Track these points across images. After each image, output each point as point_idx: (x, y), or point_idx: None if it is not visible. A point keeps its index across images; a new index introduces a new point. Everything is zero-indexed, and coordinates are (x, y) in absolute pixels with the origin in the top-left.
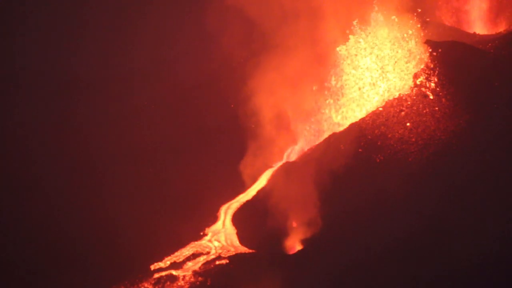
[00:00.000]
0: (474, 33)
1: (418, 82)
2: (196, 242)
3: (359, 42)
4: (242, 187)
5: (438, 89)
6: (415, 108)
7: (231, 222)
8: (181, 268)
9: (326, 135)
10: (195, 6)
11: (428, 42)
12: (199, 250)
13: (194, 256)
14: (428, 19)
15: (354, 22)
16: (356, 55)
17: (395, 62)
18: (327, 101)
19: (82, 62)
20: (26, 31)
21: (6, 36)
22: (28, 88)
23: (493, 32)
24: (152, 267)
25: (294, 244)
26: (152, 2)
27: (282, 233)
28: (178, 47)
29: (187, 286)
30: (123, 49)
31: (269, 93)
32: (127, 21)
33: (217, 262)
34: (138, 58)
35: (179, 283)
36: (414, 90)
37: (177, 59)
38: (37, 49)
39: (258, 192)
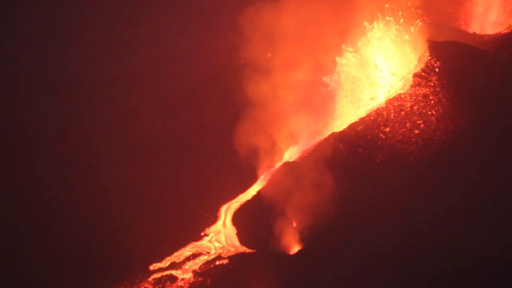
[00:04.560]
0: (474, 33)
1: (418, 82)
2: (196, 242)
3: (360, 43)
4: (242, 187)
5: (438, 89)
6: (415, 108)
7: (231, 222)
8: (181, 268)
9: (326, 135)
10: (196, 5)
11: (428, 42)
12: (199, 250)
13: (194, 256)
14: (428, 19)
15: (359, 23)
16: (356, 56)
17: (395, 62)
18: (327, 102)
19: (82, 61)
20: (26, 30)
21: (6, 36)
22: (28, 88)
23: (493, 32)
24: (152, 267)
25: (294, 244)
26: (153, 2)
27: (282, 233)
28: (179, 47)
29: (187, 286)
30: (124, 49)
31: (270, 93)
32: (127, 20)
33: (217, 262)
34: (139, 58)
35: (179, 283)
36: (414, 90)
37: (178, 59)
38: (37, 49)
39: (258, 192)
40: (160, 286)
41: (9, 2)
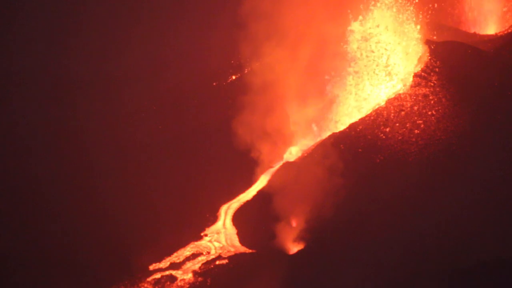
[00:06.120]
0: (474, 33)
1: (418, 82)
2: (196, 242)
3: (360, 43)
4: (242, 187)
5: (438, 89)
6: (415, 108)
7: (231, 222)
8: (181, 268)
9: (326, 135)
10: (194, 6)
11: (428, 42)
12: (199, 250)
13: (194, 256)
14: (428, 19)
15: (356, 23)
16: (357, 56)
17: (396, 62)
18: (328, 101)
19: (83, 62)
20: (23, 32)
21: (4, 36)
22: (26, 89)
23: (493, 32)
24: (152, 267)
25: (294, 244)
26: (151, 3)
27: (282, 233)
28: (178, 48)
29: (187, 286)
30: (124, 50)
31: (269, 93)
32: (125, 22)
33: (217, 262)
34: (139, 58)
35: (179, 283)
36: (414, 90)
37: (177, 59)
38: (35, 50)
39: (258, 192)
40: (160, 286)
41: (8, 2)
